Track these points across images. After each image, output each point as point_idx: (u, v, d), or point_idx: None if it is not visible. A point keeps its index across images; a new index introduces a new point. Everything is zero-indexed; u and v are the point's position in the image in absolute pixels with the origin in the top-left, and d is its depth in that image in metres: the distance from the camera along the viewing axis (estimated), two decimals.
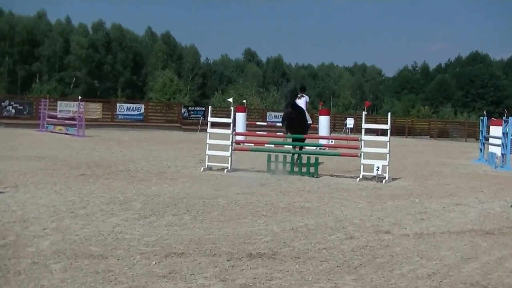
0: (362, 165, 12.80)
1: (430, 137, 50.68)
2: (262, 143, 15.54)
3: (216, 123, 15.42)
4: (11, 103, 36.16)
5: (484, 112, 23.33)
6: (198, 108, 43.35)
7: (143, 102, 46.69)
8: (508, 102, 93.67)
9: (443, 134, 52.10)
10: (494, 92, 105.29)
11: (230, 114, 14.37)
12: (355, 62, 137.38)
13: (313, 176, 12.75)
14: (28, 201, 8.21)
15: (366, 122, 13.64)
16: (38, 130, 29.47)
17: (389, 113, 13.73)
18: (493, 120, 20.80)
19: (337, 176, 13.32)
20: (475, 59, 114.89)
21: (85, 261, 5.30)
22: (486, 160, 19.13)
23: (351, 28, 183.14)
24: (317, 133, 21.52)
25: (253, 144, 15.81)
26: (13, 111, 35.59)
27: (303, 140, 15.02)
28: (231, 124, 14.06)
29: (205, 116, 38.02)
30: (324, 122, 22.49)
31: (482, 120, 21.08)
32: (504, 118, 18.00)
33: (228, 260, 5.50)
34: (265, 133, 20.95)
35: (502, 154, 17.35)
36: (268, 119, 43.52)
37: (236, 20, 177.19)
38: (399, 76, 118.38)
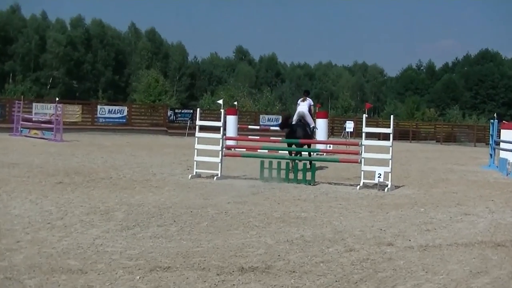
0: (362, 172, 12.82)
1: (436, 141, 50.82)
2: (255, 148, 15.55)
3: (205, 127, 15.42)
4: None
5: (495, 115, 23.37)
6: (186, 111, 43.34)
7: (126, 104, 46.67)
8: None
9: (450, 139, 52.25)
10: (505, 93, 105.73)
11: (220, 117, 14.37)
12: (355, 61, 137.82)
13: (310, 184, 12.77)
14: (1, 212, 8.19)
15: (367, 125, 13.66)
16: (12, 135, 29.34)
17: (392, 116, 13.77)
18: (504, 123, 20.90)
19: (335, 184, 13.33)
20: (485, 57, 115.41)
21: (63, 276, 5.29)
22: (497, 167, 19.19)
23: (351, 24, 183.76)
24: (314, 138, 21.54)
25: (245, 150, 15.81)
26: None
27: (308, 146, 15.37)
28: (221, 128, 14.05)
29: (193, 119, 38.07)
30: (321, 125, 22.54)
31: (493, 123, 21.17)
32: None
33: (218, 275, 5.50)
34: (258, 137, 20.94)
35: None
36: (261, 123, 43.62)
37: (226, 16, 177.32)
38: (402, 76, 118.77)
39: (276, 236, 7.33)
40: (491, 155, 20.78)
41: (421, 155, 27.78)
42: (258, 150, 15.50)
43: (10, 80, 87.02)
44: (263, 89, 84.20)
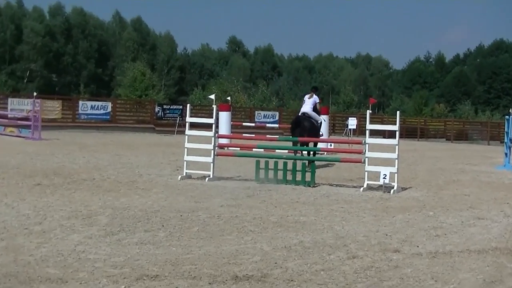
0: (366, 173, 12.83)
1: (446, 139, 51.00)
2: (250, 147, 15.56)
3: (196, 124, 15.44)
4: None
5: (510, 111, 23.39)
6: (175, 107, 43.33)
7: (110, 100, 46.59)
8: None
9: (461, 136, 52.42)
10: None
11: (212, 113, 14.38)
12: (358, 52, 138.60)
13: (309, 186, 12.78)
14: None
15: (371, 122, 13.68)
16: None
17: (398, 112, 13.79)
18: None
19: (337, 185, 13.35)
20: (500, 48, 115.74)
21: (41, 285, 5.28)
22: None
23: (353, 12, 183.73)
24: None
25: (239, 149, 15.82)
26: None
27: (314, 144, 15.49)
28: (213, 125, 14.06)
29: (182, 116, 38.03)
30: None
31: (508, 120, 21.20)
32: None
33: (210, 284, 5.51)
34: (253, 135, 20.97)
35: None
36: (256, 119, 43.62)
37: (218, 4, 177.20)
38: (409, 68, 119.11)
39: (273, 242, 7.33)
40: (506, 154, 20.81)
41: (430, 154, 27.83)
42: (253, 149, 15.51)
43: None
44: (258, 83, 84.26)
